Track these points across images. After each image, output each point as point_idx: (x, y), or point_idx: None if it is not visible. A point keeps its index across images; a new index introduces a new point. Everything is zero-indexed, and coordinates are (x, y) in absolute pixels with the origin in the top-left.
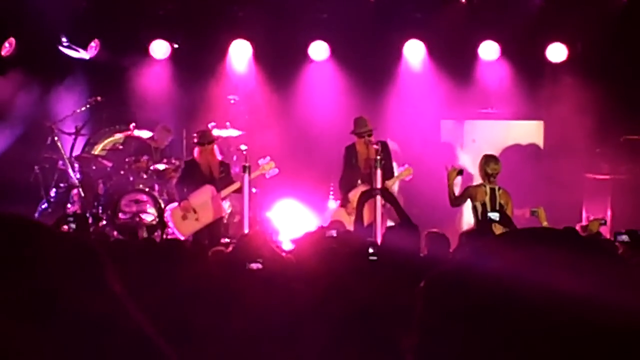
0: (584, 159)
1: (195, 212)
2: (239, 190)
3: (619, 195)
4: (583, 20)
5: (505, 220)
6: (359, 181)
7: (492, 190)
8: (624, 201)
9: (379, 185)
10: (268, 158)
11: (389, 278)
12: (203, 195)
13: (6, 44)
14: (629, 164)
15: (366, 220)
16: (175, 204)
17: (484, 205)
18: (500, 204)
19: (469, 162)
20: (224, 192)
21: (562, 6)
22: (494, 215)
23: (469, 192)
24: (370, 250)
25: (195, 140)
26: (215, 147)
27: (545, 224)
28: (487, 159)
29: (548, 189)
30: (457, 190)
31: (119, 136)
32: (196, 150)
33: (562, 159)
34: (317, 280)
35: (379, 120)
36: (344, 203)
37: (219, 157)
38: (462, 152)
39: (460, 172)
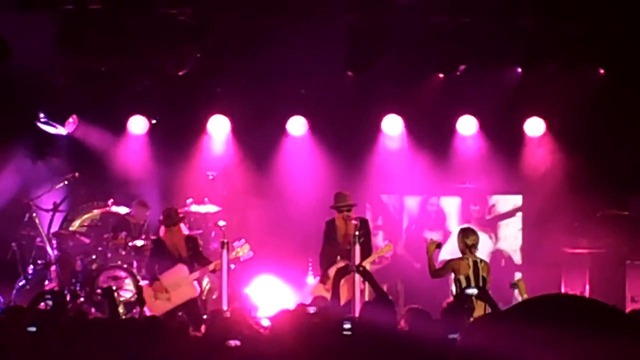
0: (563, 233)
1: (167, 291)
2: (214, 271)
3: (597, 270)
4: (560, 94)
5: (483, 295)
6: (339, 257)
7: (475, 262)
8: (602, 276)
9: (357, 262)
10: (243, 241)
11: (365, 353)
12: (175, 275)
13: None
14: (607, 239)
15: (344, 297)
16: (146, 282)
17: (467, 278)
18: (482, 277)
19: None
20: (196, 274)
21: (539, 80)
22: (472, 291)
23: (451, 265)
24: (346, 326)
25: (161, 220)
26: (182, 225)
27: (525, 296)
28: (465, 231)
29: (526, 262)
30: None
31: (96, 212)
32: (162, 230)
33: (541, 233)
34: (295, 358)
35: (358, 195)
36: (324, 279)
37: (186, 232)
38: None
39: (439, 245)
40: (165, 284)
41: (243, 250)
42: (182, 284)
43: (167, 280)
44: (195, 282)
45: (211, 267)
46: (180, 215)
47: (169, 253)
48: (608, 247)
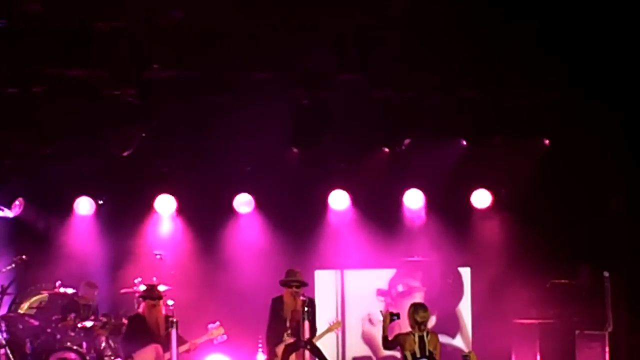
0: (512, 304)
1: None
2: (189, 351)
3: (547, 340)
4: (506, 166)
5: None
6: (285, 335)
7: (421, 337)
8: (552, 345)
9: (306, 336)
10: (217, 323)
11: None
12: (148, 355)
13: None
14: (556, 308)
15: None
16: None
17: (413, 354)
18: (429, 350)
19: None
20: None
21: (484, 152)
22: None
23: (398, 339)
24: None
25: (143, 294)
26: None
27: None
28: (416, 308)
29: (476, 334)
30: None
31: (44, 294)
32: (143, 305)
33: (489, 304)
34: None
35: (306, 272)
36: (271, 357)
37: (163, 313)
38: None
39: (396, 315)
40: None
41: (218, 332)
42: None
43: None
44: None
45: (185, 347)
46: (162, 293)
47: (148, 330)
48: (557, 317)
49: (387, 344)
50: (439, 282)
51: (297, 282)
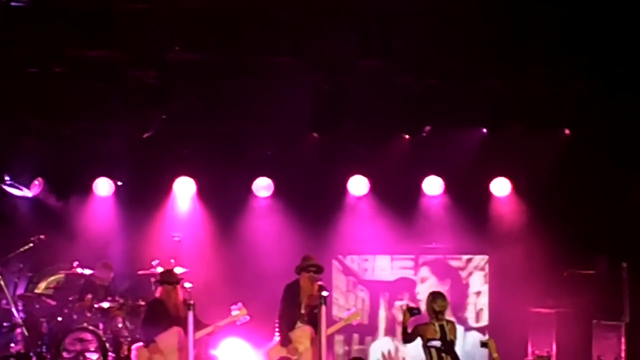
0: (529, 293)
1: (162, 354)
2: (212, 333)
3: (563, 329)
4: (526, 155)
5: (448, 348)
6: (299, 322)
7: (441, 327)
8: (568, 335)
9: (324, 323)
10: (240, 304)
11: None
12: (171, 338)
13: None
14: (573, 298)
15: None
16: (141, 344)
17: (438, 341)
18: (450, 339)
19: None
20: (197, 334)
21: (505, 141)
22: (436, 344)
23: (418, 330)
24: None
25: (160, 279)
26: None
27: (495, 355)
28: (434, 296)
29: (493, 322)
30: None
31: (62, 274)
32: (160, 290)
33: (507, 293)
34: None
35: (324, 257)
36: (285, 342)
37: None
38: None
39: (416, 311)
40: (161, 347)
41: (242, 312)
42: (177, 346)
43: (163, 343)
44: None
45: (209, 329)
46: (180, 276)
47: (167, 314)
48: (574, 306)
49: (407, 336)
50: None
51: (315, 266)
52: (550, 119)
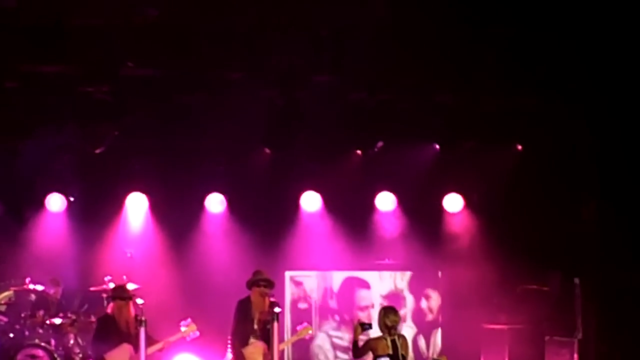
0: (482, 309)
1: None
2: (162, 349)
3: (516, 345)
4: (478, 170)
5: None
6: (252, 338)
7: (393, 341)
8: (521, 351)
9: (276, 338)
10: (189, 320)
11: None
12: (121, 355)
13: None
14: (526, 314)
15: None
16: None
17: (389, 356)
18: (402, 355)
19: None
20: (148, 351)
21: (457, 157)
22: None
23: (370, 345)
24: None
25: (112, 295)
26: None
27: None
28: (386, 311)
29: (446, 338)
30: None
31: (13, 290)
32: (111, 306)
33: (459, 309)
34: None
35: (276, 273)
36: (238, 358)
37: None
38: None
39: (367, 325)
40: None
41: (191, 328)
42: None
43: None
44: None
45: (159, 345)
46: (131, 293)
47: (118, 330)
48: (527, 322)
49: (358, 351)
50: None
51: (265, 281)
52: (503, 135)
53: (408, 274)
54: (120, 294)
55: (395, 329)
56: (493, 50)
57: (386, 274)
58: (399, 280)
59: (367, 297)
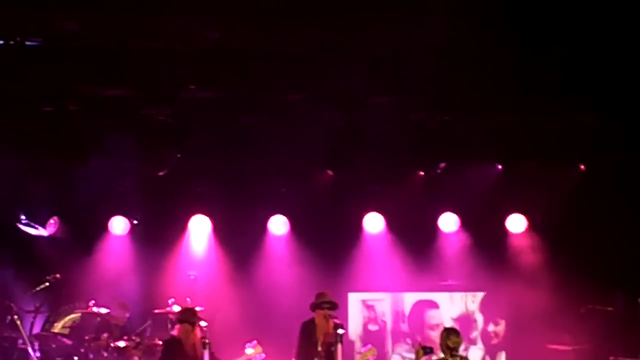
0: (545, 330)
1: None
2: None
3: None
4: (541, 191)
5: None
6: (316, 359)
7: None
8: None
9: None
10: (255, 342)
11: None
12: None
13: None
14: (590, 334)
15: None
16: None
17: None
18: None
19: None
20: None
21: (520, 178)
22: None
23: None
24: None
25: (180, 318)
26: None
27: None
28: (448, 333)
29: (510, 358)
30: None
31: (78, 313)
32: (178, 328)
33: (523, 330)
34: None
35: (338, 295)
36: None
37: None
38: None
39: (429, 349)
40: None
41: (257, 350)
42: None
43: None
44: None
45: None
46: (198, 316)
47: (184, 353)
48: (591, 343)
49: None
50: None
51: (329, 303)
52: (565, 154)
53: (479, 295)
54: (189, 318)
55: (457, 350)
56: (554, 68)
57: (457, 296)
58: (470, 302)
59: (437, 316)
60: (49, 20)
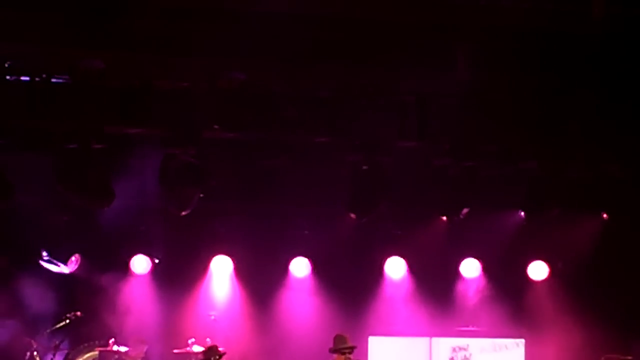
0: None
1: None
2: None
3: None
4: (564, 238)
5: None
6: None
7: None
8: None
9: None
10: None
11: None
12: None
13: None
14: None
15: None
16: None
17: None
18: None
19: None
20: None
21: (542, 224)
22: None
23: None
24: None
25: (204, 357)
26: None
27: None
28: None
29: None
30: None
31: (96, 351)
32: None
33: None
34: None
35: (359, 338)
36: None
37: None
38: None
39: None
40: None
41: None
42: None
43: None
44: None
45: None
46: (221, 352)
47: None
48: None
49: None
50: None
51: (349, 348)
52: (588, 203)
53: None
54: (212, 355)
55: None
56: (578, 116)
57: (501, 343)
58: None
59: None
60: (75, 58)
